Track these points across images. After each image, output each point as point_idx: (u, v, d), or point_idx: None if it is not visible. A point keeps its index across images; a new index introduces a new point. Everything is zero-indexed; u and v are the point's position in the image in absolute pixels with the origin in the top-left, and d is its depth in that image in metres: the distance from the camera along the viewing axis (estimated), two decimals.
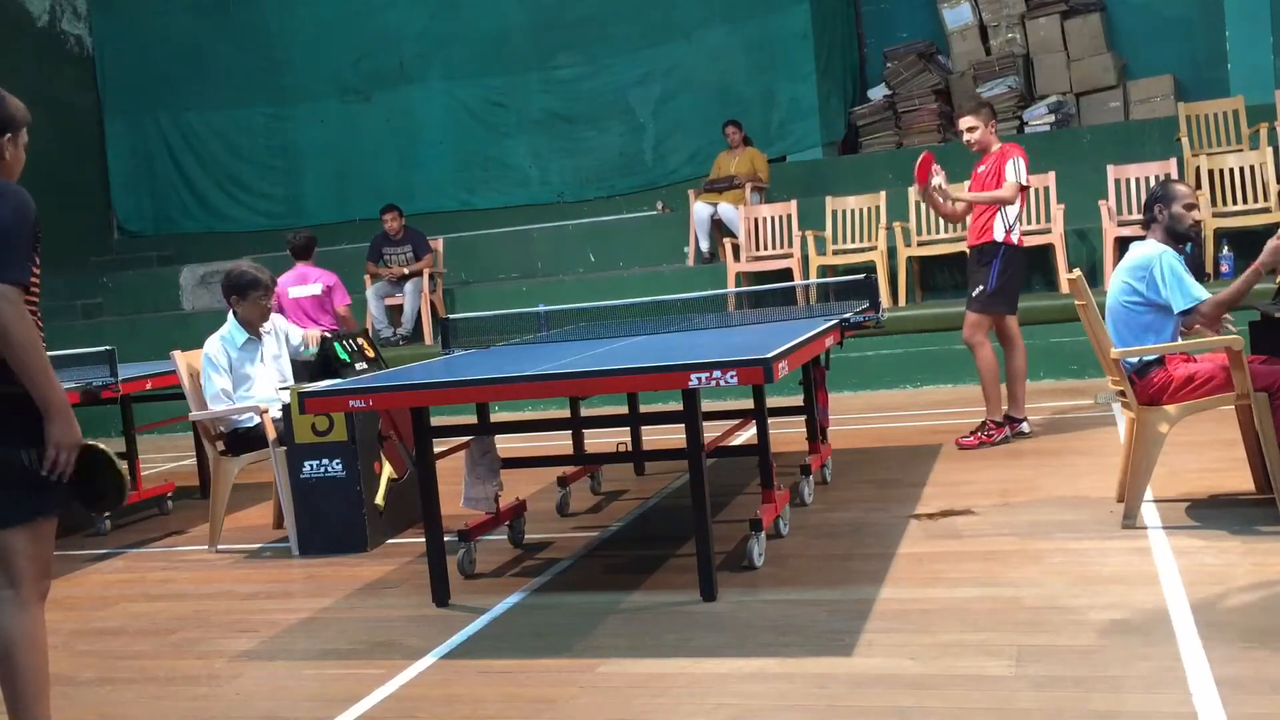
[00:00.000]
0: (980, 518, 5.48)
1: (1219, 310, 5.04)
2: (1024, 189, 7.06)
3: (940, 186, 7.13)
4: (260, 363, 6.51)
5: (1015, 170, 6.99)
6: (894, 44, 13.53)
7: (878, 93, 13.43)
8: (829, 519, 5.73)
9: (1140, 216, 10.11)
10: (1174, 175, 10.31)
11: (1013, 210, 7.07)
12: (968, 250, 7.33)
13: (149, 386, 7.20)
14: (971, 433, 7.18)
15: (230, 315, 6.48)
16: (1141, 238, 5.33)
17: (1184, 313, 5.04)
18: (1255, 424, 4.91)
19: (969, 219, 7.27)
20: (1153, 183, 10.37)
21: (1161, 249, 5.11)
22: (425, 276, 11.80)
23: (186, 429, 8.24)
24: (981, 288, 7.08)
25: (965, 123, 7.21)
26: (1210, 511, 5.18)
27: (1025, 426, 7.26)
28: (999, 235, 7.04)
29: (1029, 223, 10.55)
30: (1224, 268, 9.73)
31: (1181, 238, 5.23)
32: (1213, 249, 9.78)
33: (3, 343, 3.05)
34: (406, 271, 11.71)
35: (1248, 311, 6.18)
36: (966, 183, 7.43)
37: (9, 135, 3.30)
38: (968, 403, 8.82)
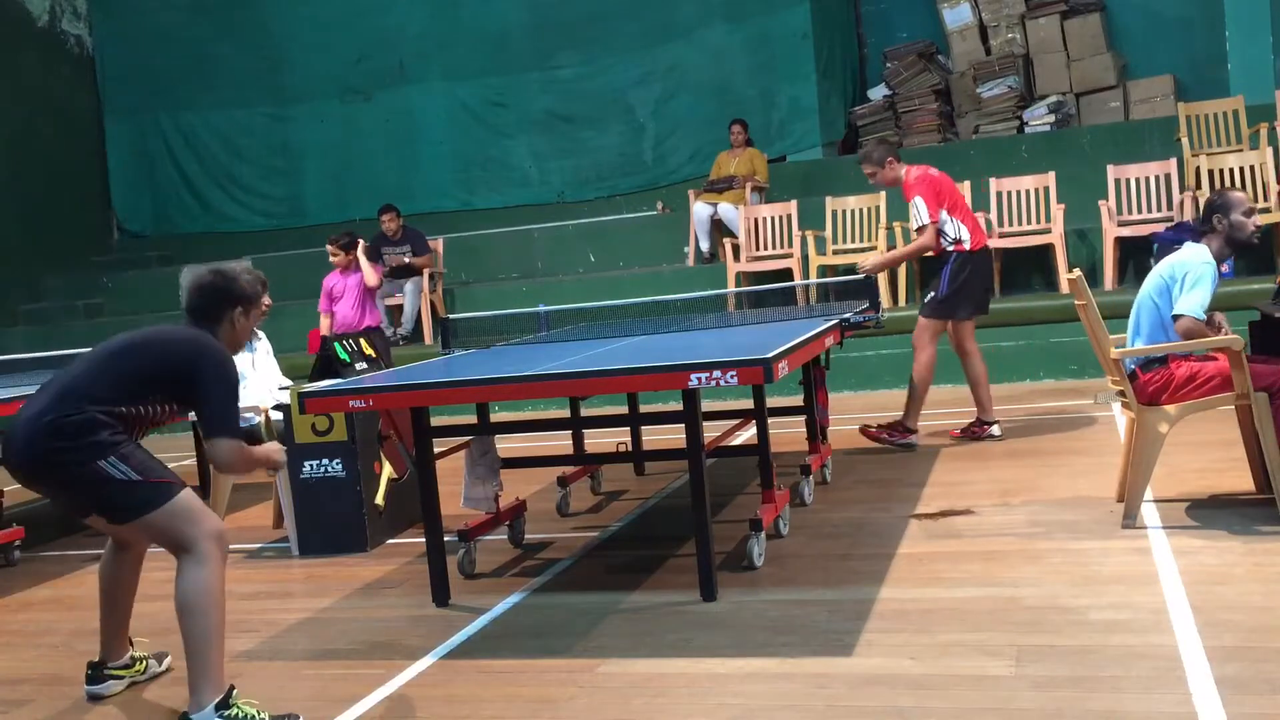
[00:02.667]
0: (980, 518, 5.48)
1: (1188, 334, 4.93)
2: (934, 223, 7.09)
3: (867, 266, 7.31)
4: (252, 366, 6.56)
5: (917, 214, 7.11)
6: (894, 44, 13.53)
7: (878, 93, 13.42)
8: (829, 519, 5.73)
9: (1140, 216, 10.18)
10: (1174, 175, 10.35)
11: (951, 225, 7.13)
12: None
13: None
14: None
15: None
16: (1178, 241, 5.26)
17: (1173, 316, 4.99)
18: (1255, 424, 4.91)
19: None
20: (1152, 183, 10.41)
21: (1209, 260, 5.02)
22: (425, 276, 11.81)
23: (186, 429, 8.24)
24: (933, 294, 7.23)
25: (864, 170, 7.40)
26: (1210, 511, 5.18)
27: (995, 430, 7.34)
28: (947, 245, 7.15)
29: (1029, 223, 10.56)
30: (1224, 268, 9.70)
31: (1243, 245, 5.17)
32: None
33: (231, 473, 4.19)
34: (406, 261, 11.70)
35: (1248, 311, 6.19)
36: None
37: (240, 309, 3.95)
38: (967, 402, 8.80)
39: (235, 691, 3.65)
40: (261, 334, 6.73)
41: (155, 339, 3.85)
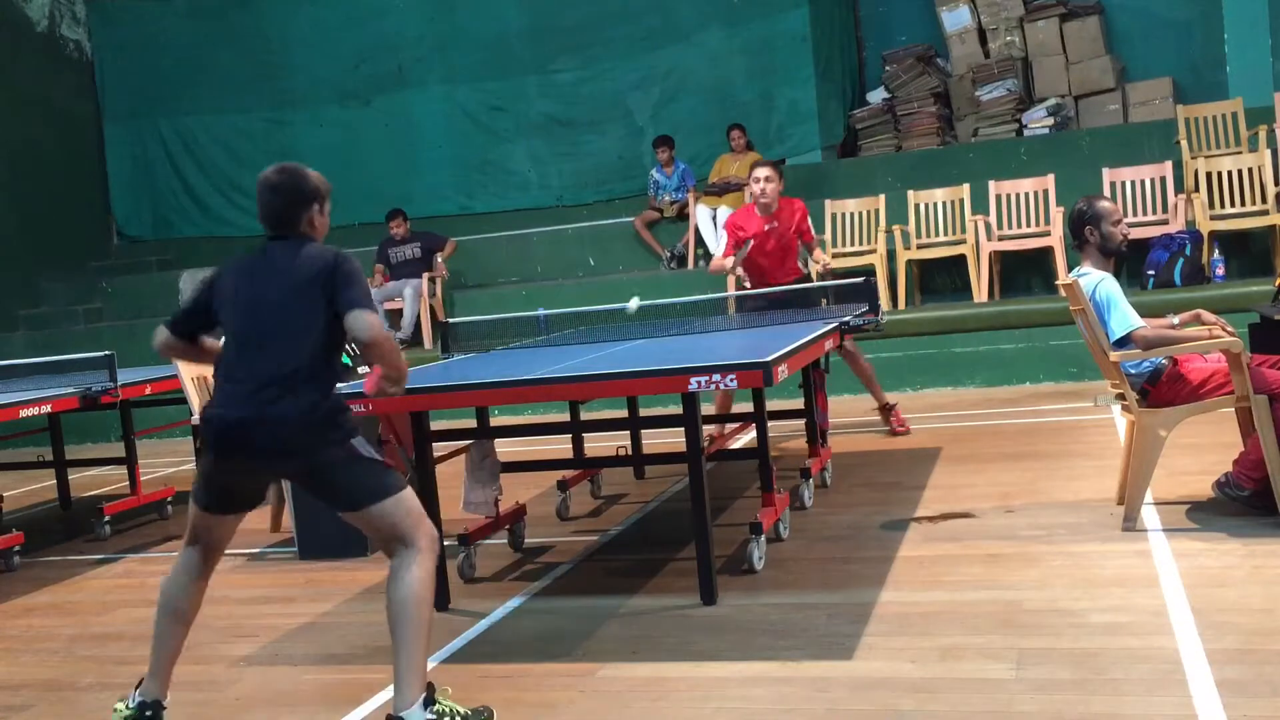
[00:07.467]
0: (980, 521, 5.48)
1: (1151, 345, 4.94)
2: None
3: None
4: None
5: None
6: (893, 47, 13.53)
7: (877, 96, 13.42)
8: (829, 522, 5.73)
9: (1137, 219, 10.19)
10: (1169, 178, 10.36)
11: None
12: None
13: (149, 391, 7.18)
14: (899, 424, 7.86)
15: None
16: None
17: (1119, 342, 4.99)
18: (1255, 426, 4.90)
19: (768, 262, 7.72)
20: (1148, 185, 10.42)
21: (1100, 277, 5.12)
22: (424, 280, 11.83)
23: (186, 433, 8.24)
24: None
25: (763, 173, 7.49)
26: (1210, 514, 5.18)
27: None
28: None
29: (1028, 226, 10.58)
30: (1219, 270, 9.72)
31: (1114, 254, 5.27)
32: (1207, 251, 9.78)
33: (375, 345, 3.53)
34: (418, 255, 12.01)
35: (1247, 314, 6.19)
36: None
37: (317, 205, 3.76)
38: (967, 405, 8.83)
39: (435, 688, 3.53)
40: None
41: (296, 291, 3.58)
